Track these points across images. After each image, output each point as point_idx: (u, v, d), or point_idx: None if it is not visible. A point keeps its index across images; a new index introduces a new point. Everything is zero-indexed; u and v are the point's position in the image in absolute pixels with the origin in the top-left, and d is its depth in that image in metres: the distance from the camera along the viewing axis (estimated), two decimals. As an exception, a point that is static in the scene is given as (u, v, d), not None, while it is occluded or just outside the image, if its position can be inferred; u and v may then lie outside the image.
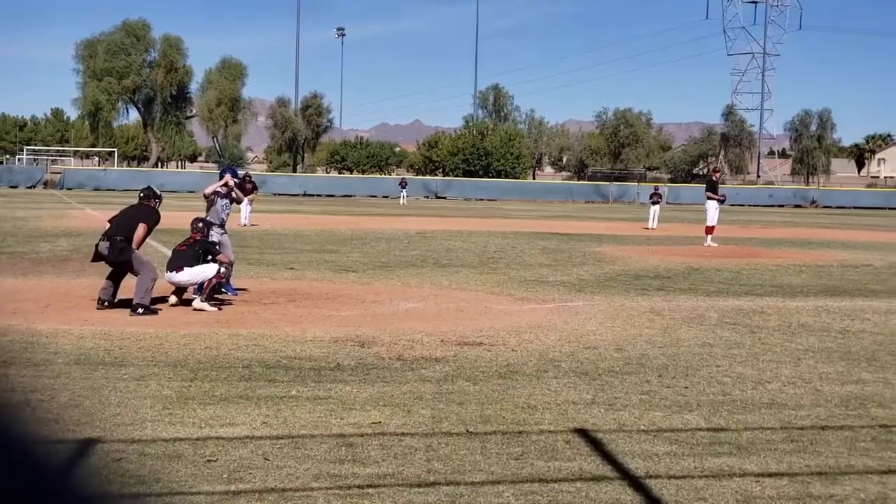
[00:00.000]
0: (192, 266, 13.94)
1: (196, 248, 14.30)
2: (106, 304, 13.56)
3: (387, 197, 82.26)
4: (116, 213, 14.50)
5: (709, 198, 30.79)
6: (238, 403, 8.24)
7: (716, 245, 29.19)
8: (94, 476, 6.14)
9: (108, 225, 14.10)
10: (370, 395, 8.71)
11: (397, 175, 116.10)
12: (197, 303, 13.76)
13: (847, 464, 7.00)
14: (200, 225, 14.78)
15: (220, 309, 13.78)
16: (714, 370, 10.30)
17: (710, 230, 29.67)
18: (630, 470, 6.67)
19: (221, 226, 15.23)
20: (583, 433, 7.58)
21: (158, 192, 14.88)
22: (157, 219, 14.31)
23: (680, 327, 13.21)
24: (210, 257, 14.24)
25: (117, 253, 13.59)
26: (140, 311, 13.02)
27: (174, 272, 13.93)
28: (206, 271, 13.94)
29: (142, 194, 14.69)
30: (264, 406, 8.16)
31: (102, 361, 9.83)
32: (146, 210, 14.24)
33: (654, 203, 40.75)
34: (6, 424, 1.36)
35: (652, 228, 39.03)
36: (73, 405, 8.01)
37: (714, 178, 32.51)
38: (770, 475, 6.65)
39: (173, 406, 8.07)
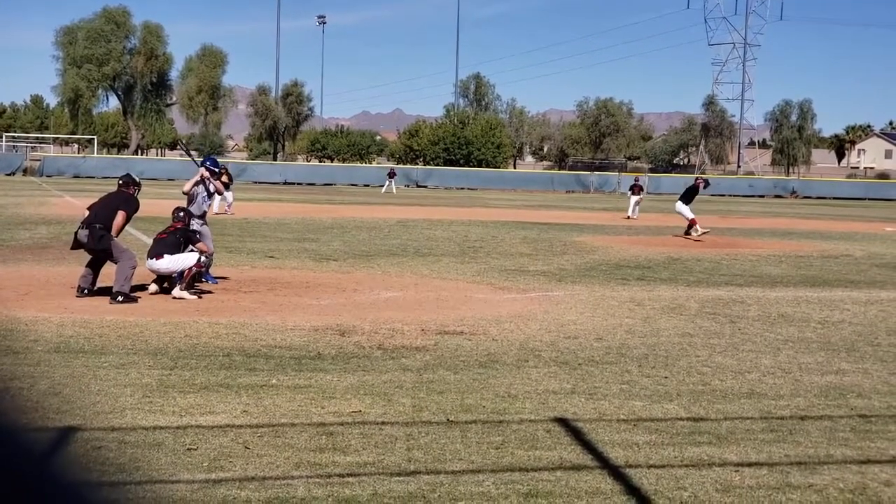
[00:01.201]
0: (172, 254, 13.91)
1: (177, 235, 14.27)
2: (85, 291, 13.53)
3: (368, 185, 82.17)
4: (95, 200, 14.43)
5: (685, 202, 30.43)
6: (218, 392, 8.22)
7: (708, 229, 29.34)
8: (73, 465, 6.12)
9: (86, 212, 14.03)
10: (350, 383, 8.71)
11: (378, 164, 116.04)
12: (176, 291, 13.73)
13: (826, 453, 7.03)
14: (182, 214, 14.74)
15: (199, 297, 13.76)
16: (694, 360, 10.33)
17: (694, 221, 29.49)
18: (610, 459, 6.69)
19: (202, 217, 15.21)
20: (563, 422, 7.59)
21: (137, 180, 14.82)
22: (136, 206, 14.27)
23: (660, 317, 13.25)
24: (190, 246, 14.21)
25: (96, 240, 13.54)
26: (120, 298, 13.02)
27: (154, 259, 13.89)
28: (186, 260, 13.90)
29: (121, 181, 14.62)
30: (244, 395, 8.15)
31: (82, 349, 9.80)
32: (125, 197, 14.18)
33: (633, 193, 40.75)
34: None
35: (632, 218, 38.99)
36: (53, 393, 7.98)
37: (697, 186, 31.55)
38: (749, 464, 6.68)
39: (153, 394, 8.05)
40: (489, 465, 6.48)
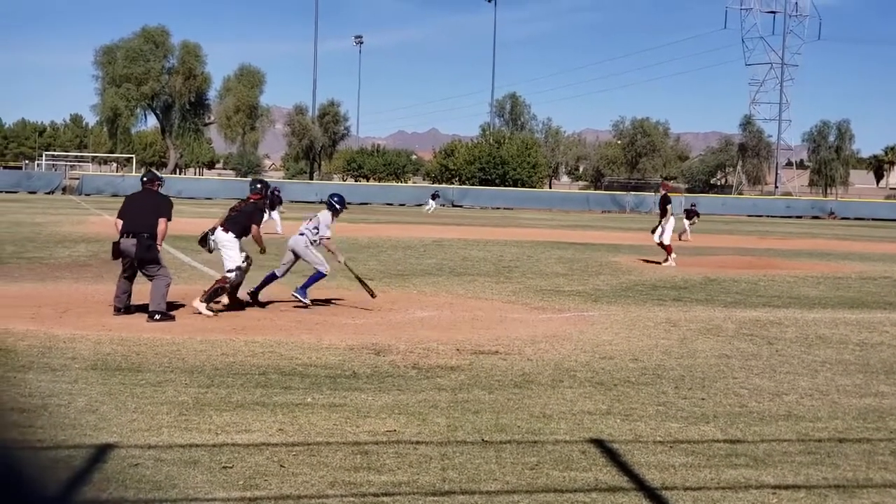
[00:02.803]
0: (236, 234, 14.30)
1: (248, 209, 14.68)
2: (122, 311, 13.56)
3: (403, 205, 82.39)
4: (124, 206, 14.02)
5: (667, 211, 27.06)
6: (254, 410, 8.25)
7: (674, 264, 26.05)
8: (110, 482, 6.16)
9: (118, 220, 13.76)
10: (385, 402, 8.71)
11: (413, 184, 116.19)
12: (196, 303, 13.80)
13: (865, 477, 6.96)
14: (259, 186, 15.05)
15: (215, 315, 13.73)
16: (731, 381, 10.26)
17: (669, 249, 26.48)
18: (646, 481, 6.65)
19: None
20: (598, 443, 7.56)
21: (160, 175, 14.90)
22: (172, 207, 14.05)
23: (696, 338, 13.17)
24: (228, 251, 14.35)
25: (145, 250, 13.39)
26: (157, 317, 13.05)
27: (222, 230, 14.34)
28: (225, 261, 14.14)
29: (145, 179, 14.38)
30: (280, 413, 8.17)
31: (119, 367, 9.86)
32: (160, 201, 13.91)
33: (687, 218, 39.72)
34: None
35: (688, 240, 37.86)
36: (90, 410, 8.03)
37: (666, 195, 28.23)
38: (787, 487, 6.62)
39: (189, 412, 8.09)
40: (524, 485, 6.46)
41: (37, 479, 6.44)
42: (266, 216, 17.07)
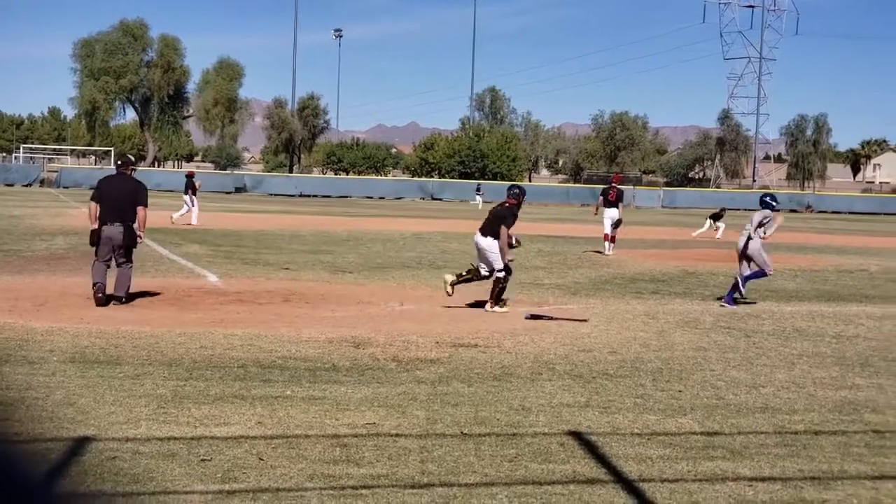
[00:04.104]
0: (492, 237, 14.72)
1: (502, 213, 15.02)
2: (104, 299, 13.67)
3: (383, 198, 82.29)
4: (101, 190, 14.07)
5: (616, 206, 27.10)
6: (233, 403, 8.24)
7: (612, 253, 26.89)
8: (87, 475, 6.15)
9: (94, 204, 13.86)
10: (365, 395, 8.72)
11: (393, 177, 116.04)
12: (488, 307, 14.56)
13: (840, 469, 7.01)
14: (517, 191, 15.35)
15: (506, 309, 14.61)
16: (708, 374, 10.31)
17: (613, 238, 27.23)
18: (624, 473, 6.68)
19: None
20: (577, 436, 7.59)
21: (133, 158, 15.27)
22: (147, 193, 14.27)
23: (674, 331, 13.23)
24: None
25: (131, 238, 13.90)
26: (124, 300, 13.72)
27: (480, 235, 14.91)
28: (495, 261, 14.63)
29: (120, 162, 14.78)
30: (259, 406, 8.17)
31: (97, 360, 9.83)
32: (135, 186, 14.10)
33: (715, 219, 38.91)
34: None
35: (719, 238, 36.43)
36: (68, 403, 8.01)
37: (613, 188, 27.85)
38: (763, 479, 6.67)
39: (168, 405, 8.08)
40: (503, 478, 6.48)
41: (14, 471, 6.42)
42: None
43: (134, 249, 14.13)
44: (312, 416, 7.92)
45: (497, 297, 14.71)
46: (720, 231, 38.45)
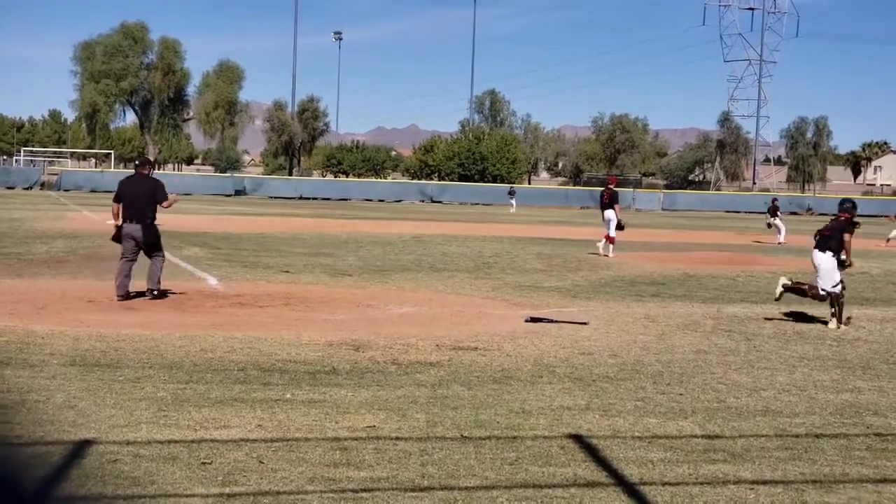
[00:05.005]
0: (830, 251, 14.66)
1: (840, 227, 14.94)
2: (125, 296, 14.38)
3: (382, 201, 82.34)
4: (121, 190, 14.94)
5: (611, 208, 27.39)
6: (233, 406, 8.24)
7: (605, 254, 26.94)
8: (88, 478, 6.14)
9: (116, 204, 14.85)
10: (365, 398, 8.71)
11: (393, 179, 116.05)
12: (832, 325, 14.39)
13: (842, 472, 7.01)
14: (849, 205, 15.16)
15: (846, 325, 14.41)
16: (709, 377, 10.30)
17: (613, 239, 27.38)
18: (624, 476, 6.68)
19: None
20: (577, 439, 7.58)
21: (151, 159, 16.26)
22: (165, 188, 15.18)
23: (675, 334, 13.22)
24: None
25: (152, 235, 14.84)
26: (155, 293, 14.61)
27: (818, 251, 14.80)
28: (830, 278, 14.54)
29: (138, 163, 15.54)
30: (259, 409, 8.17)
31: (98, 363, 9.83)
32: (153, 185, 14.98)
33: (772, 216, 38.11)
34: None
35: (782, 244, 36.18)
36: (69, 406, 8.01)
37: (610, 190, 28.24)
38: (764, 482, 6.66)
39: (168, 408, 8.07)
40: (503, 481, 6.48)
41: (15, 475, 6.42)
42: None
43: (159, 244, 14.98)
44: (312, 419, 7.92)
45: (840, 315, 14.56)
46: (780, 234, 37.43)
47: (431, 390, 9.15)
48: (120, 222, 14.81)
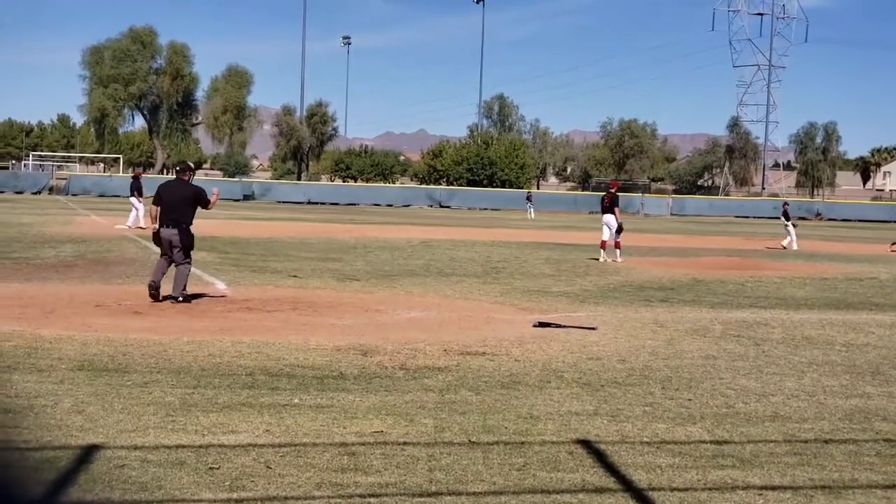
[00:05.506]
0: None
1: None
2: (157, 290, 14.78)
3: (391, 205, 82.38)
4: (161, 195, 15.24)
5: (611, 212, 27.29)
6: (241, 411, 8.23)
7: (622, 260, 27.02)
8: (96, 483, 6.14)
9: (154, 207, 15.24)
10: (372, 403, 8.70)
11: (401, 184, 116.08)
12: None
13: (851, 478, 6.98)
14: None
15: None
16: (717, 382, 10.28)
17: (618, 244, 27.41)
18: (633, 482, 6.66)
19: None
20: (585, 444, 7.56)
21: (192, 165, 16.40)
22: (206, 193, 15.57)
23: (683, 339, 13.19)
24: None
25: (188, 239, 15.16)
26: (181, 299, 14.82)
27: None
28: None
29: (178, 169, 15.82)
30: (267, 414, 8.16)
31: (106, 368, 9.83)
32: (194, 191, 15.35)
33: (787, 217, 37.97)
34: None
35: (795, 249, 36.14)
36: (77, 411, 8.01)
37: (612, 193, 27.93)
38: (773, 488, 6.63)
39: (176, 413, 8.07)
40: (511, 486, 6.46)
41: (23, 480, 6.41)
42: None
43: (189, 251, 15.24)
44: (320, 424, 7.91)
45: None
46: (790, 241, 37.26)
47: (439, 395, 9.14)
48: (158, 226, 15.18)
